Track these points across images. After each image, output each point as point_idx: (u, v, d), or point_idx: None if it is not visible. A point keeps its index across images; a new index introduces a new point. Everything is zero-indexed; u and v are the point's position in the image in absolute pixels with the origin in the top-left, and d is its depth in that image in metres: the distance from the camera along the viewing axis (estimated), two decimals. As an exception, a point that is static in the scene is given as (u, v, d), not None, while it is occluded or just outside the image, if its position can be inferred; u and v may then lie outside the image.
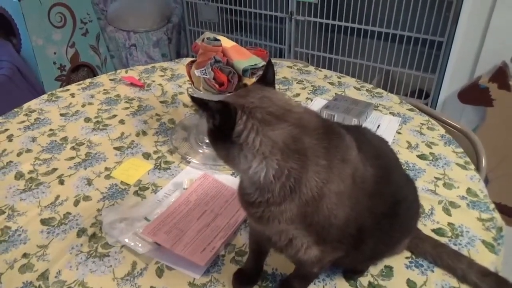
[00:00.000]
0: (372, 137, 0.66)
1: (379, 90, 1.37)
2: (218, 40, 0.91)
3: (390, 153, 0.68)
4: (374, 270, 0.72)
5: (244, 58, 0.91)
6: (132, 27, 2.78)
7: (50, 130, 1.14)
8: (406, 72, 2.13)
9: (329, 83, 1.42)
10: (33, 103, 1.28)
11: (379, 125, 1.16)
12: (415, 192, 0.70)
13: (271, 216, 0.53)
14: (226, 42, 0.94)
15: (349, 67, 2.28)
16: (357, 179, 0.53)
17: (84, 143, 1.08)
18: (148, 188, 0.92)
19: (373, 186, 0.55)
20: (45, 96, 1.32)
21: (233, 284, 0.69)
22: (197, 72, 0.88)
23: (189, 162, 1.00)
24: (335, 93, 1.33)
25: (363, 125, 0.84)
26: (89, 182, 0.94)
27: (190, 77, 0.98)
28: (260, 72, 0.94)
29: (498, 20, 1.67)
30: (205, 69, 0.86)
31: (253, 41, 2.56)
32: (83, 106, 1.27)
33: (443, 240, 0.78)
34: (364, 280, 0.70)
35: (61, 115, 1.22)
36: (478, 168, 1.05)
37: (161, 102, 1.29)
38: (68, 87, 1.39)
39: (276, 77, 1.45)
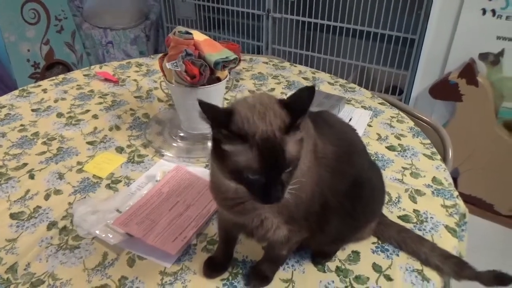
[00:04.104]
0: (334, 120, 0.68)
1: (352, 85, 1.40)
2: (190, 33, 0.92)
3: (354, 136, 0.70)
4: (341, 255, 0.74)
5: (216, 51, 0.92)
6: (108, 24, 2.74)
7: (21, 125, 1.12)
8: (380, 69, 2.18)
9: (304, 78, 1.44)
10: (3, 99, 1.26)
11: (351, 118, 1.19)
12: (380, 178, 0.73)
13: (252, 207, 0.55)
14: (198, 36, 0.95)
15: (325, 64, 2.32)
16: (318, 154, 0.55)
17: (56, 138, 1.07)
18: (121, 181, 0.92)
19: (333, 163, 0.57)
20: (16, 92, 1.30)
21: (203, 271, 0.70)
22: (168, 65, 0.88)
23: (163, 155, 1.01)
24: (309, 88, 1.35)
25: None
26: (61, 176, 0.93)
27: (162, 70, 0.98)
28: (232, 65, 0.95)
29: (466, 18, 1.73)
30: (176, 62, 0.87)
31: (231, 38, 2.57)
32: (55, 101, 1.25)
33: (409, 226, 0.81)
34: (332, 264, 0.72)
35: (33, 110, 1.20)
36: (445, 159, 1.09)
37: (135, 97, 1.29)
38: (40, 82, 1.37)
39: (252, 73, 1.47)
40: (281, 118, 0.47)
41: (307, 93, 0.49)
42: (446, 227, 0.81)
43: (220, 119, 0.47)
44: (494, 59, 1.73)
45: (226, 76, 0.99)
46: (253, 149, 0.46)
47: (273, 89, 1.36)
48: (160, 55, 1.03)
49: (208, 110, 0.46)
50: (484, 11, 1.68)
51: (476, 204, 1.96)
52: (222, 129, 0.46)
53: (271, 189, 0.47)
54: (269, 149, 0.46)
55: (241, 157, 0.46)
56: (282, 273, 0.70)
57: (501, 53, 1.70)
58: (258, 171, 0.46)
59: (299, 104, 0.48)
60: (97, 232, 0.76)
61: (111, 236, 0.76)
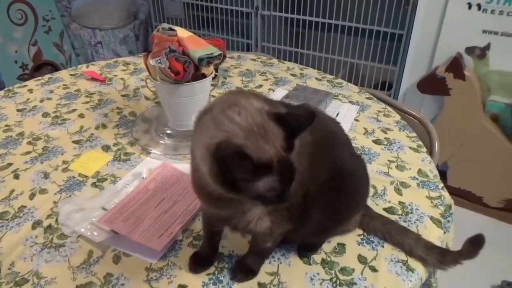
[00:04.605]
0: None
1: (340, 80, 1.41)
2: (174, 30, 0.92)
3: (336, 128, 0.70)
4: (327, 247, 0.75)
5: (200, 47, 0.92)
6: (97, 24, 2.72)
7: (6, 125, 1.12)
8: (369, 64, 2.19)
9: (291, 74, 1.44)
10: (-11, 100, 1.25)
11: (338, 113, 1.20)
12: (364, 170, 0.73)
13: (237, 202, 0.55)
14: (182, 32, 0.95)
15: (315, 61, 2.32)
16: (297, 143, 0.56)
17: (41, 138, 1.06)
18: (107, 179, 0.92)
19: (313, 152, 0.57)
20: (1, 92, 1.29)
21: (189, 266, 0.70)
22: (152, 62, 0.88)
23: (149, 153, 1.00)
24: (297, 84, 1.36)
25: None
26: (46, 176, 0.92)
27: (147, 68, 0.98)
28: (217, 61, 0.95)
29: (452, 13, 1.74)
30: (160, 59, 0.87)
31: (220, 36, 2.56)
32: (41, 101, 1.24)
33: (394, 217, 0.81)
34: (317, 257, 0.73)
35: (18, 110, 1.19)
36: (431, 152, 1.10)
37: (122, 95, 1.28)
38: (26, 83, 1.36)
39: (240, 70, 1.47)
40: (280, 137, 0.48)
41: (307, 117, 0.49)
42: (431, 218, 0.82)
43: (247, 171, 0.46)
44: (480, 53, 1.74)
45: (212, 72, 0.99)
46: (274, 174, 0.47)
47: (260, 86, 1.36)
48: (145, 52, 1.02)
49: (238, 175, 0.46)
50: (470, 5, 1.69)
51: (465, 197, 1.98)
52: (250, 175, 0.46)
53: (284, 195, 0.50)
54: (284, 168, 0.47)
55: (261, 183, 0.47)
56: (268, 266, 0.71)
57: (487, 47, 1.72)
58: (279, 190, 0.48)
59: (296, 126, 0.48)
60: (82, 230, 0.76)
61: (96, 234, 0.75)
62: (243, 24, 2.47)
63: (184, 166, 0.95)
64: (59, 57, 2.69)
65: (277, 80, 1.40)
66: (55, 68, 2.67)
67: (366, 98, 1.29)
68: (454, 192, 1.97)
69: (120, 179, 0.91)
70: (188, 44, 0.91)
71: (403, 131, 1.11)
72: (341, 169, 0.64)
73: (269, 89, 1.33)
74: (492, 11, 1.64)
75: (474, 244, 0.67)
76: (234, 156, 0.45)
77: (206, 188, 0.55)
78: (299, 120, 0.49)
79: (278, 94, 1.29)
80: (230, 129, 0.47)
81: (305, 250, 0.73)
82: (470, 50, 1.76)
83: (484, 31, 1.70)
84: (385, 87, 2.21)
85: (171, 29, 0.92)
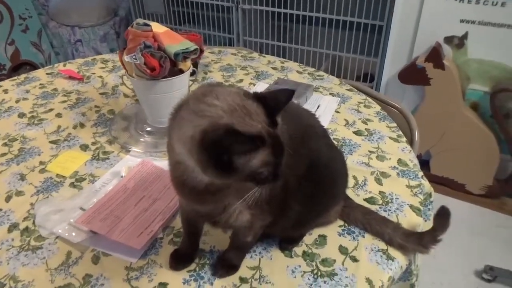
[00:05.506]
0: (290, 105, 0.68)
1: (321, 73, 1.41)
2: (148, 25, 0.90)
3: (312, 120, 0.70)
4: (308, 239, 0.75)
5: (176, 42, 0.91)
6: (76, 22, 2.67)
7: (-20, 128, 1.09)
8: (351, 57, 2.19)
9: (272, 68, 1.44)
10: (-38, 101, 1.21)
11: (319, 106, 1.20)
12: (342, 162, 0.74)
13: (219, 196, 0.54)
14: (158, 28, 0.94)
15: (297, 55, 2.32)
16: None
17: (17, 139, 1.04)
18: (85, 179, 0.90)
19: (290, 144, 0.57)
20: (-25, 94, 1.26)
21: (170, 264, 0.69)
22: (126, 58, 0.87)
23: (129, 151, 0.99)
24: (278, 77, 1.35)
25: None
26: (22, 177, 0.91)
27: (123, 64, 0.96)
28: (193, 56, 0.94)
29: (430, 3, 1.75)
30: (134, 55, 0.85)
31: (202, 32, 2.54)
32: (17, 101, 1.22)
33: (374, 207, 0.82)
34: (298, 249, 0.73)
35: (-8, 112, 1.16)
36: (411, 142, 1.11)
37: (100, 94, 1.26)
38: (1, 83, 1.33)
39: (220, 65, 1.46)
40: (262, 113, 0.48)
41: (286, 95, 0.50)
42: (411, 206, 0.83)
43: (242, 145, 0.46)
44: (458, 42, 1.76)
45: (189, 67, 0.98)
46: (266, 147, 0.47)
47: (241, 80, 1.35)
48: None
49: (233, 148, 0.45)
50: (447, -5, 1.70)
51: (448, 185, 2.01)
52: (246, 149, 0.46)
53: (278, 170, 0.50)
54: (275, 141, 0.48)
55: (256, 159, 0.47)
56: (249, 261, 0.71)
57: (465, 36, 1.74)
58: (274, 163, 0.48)
59: (275, 103, 0.49)
60: (60, 231, 0.75)
61: (74, 235, 0.74)
62: (224, 19, 2.45)
63: (164, 163, 0.92)
64: (38, 56, 2.63)
65: (258, 74, 1.39)
66: (34, 68, 2.61)
67: (347, 89, 1.29)
68: (438, 180, 2.00)
69: (98, 179, 0.90)
70: (164, 39, 0.90)
71: (383, 121, 1.12)
72: (318, 160, 0.64)
73: (250, 83, 1.33)
74: (469, 1, 1.66)
75: (442, 217, 0.70)
76: (226, 135, 0.45)
77: (189, 183, 0.54)
78: (277, 97, 0.50)
79: (259, 88, 1.29)
80: (213, 113, 0.47)
81: (286, 243, 0.73)
82: (448, 40, 1.78)
83: (462, 21, 1.72)
84: (367, 79, 2.22)
85: (146, 24, 0.90)
